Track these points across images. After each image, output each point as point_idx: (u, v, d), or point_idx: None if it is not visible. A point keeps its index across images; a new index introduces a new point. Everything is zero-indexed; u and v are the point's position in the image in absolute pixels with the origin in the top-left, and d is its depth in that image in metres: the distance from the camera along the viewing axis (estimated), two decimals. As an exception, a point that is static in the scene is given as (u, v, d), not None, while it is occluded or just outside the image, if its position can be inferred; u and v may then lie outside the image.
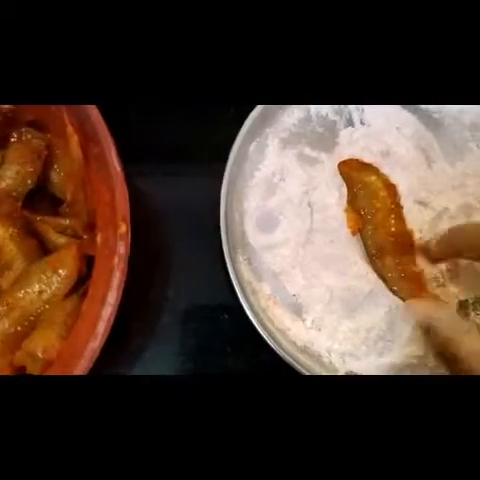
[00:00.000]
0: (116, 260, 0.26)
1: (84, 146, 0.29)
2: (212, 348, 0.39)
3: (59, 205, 0.35)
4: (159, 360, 0.39)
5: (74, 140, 0.29)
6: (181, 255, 0.39)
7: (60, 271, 0.30)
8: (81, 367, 0.25)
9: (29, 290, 0.30)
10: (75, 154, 0.29)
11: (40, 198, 0.35)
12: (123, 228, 0.27)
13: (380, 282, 0.39)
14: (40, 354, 0.28)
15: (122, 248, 0.27)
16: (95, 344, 0.25)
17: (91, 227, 0.32)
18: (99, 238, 0.29)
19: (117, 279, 0.26)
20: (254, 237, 0.39)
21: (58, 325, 0.29)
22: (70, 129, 0.29)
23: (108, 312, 0.26)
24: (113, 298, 0.26)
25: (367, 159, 0.40)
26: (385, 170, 0.40)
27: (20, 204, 0.33)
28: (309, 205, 0.39)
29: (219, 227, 0.37)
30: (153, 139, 0.38)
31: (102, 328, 0.26)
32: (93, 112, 0.28)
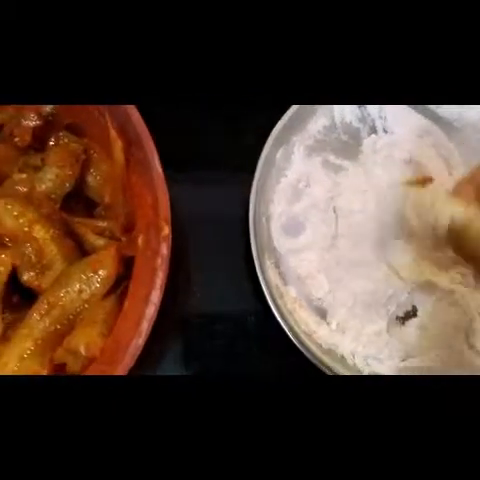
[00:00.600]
0: (159, 261, 0.27)
1: (126, 151, 0.30)
2: (238, 349, 0.40)
3: (94, 208, 0.36)
4: (185, 361, 0.40)
5: (118, 145, 0.30)
6: (209, 258, 0.40)
7: (100, 272, 0.31)
8: (125, 363, 0.26)
9: (69, 289, 0.31)
10: (118, 158, 0.30)
11: (75, 200, 0.36)
12: (166, 230, 0.28)
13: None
14: (83, 351, 0.29)
15: (165, 249, 0.28)
16: (139, 341, 0.26)
17: (128, 229, 0.33)
18: (140, 240, 0.29)
19: (160, 279, 0.27)
20: (280, 241, 0.40)
21: (99, 323, 0.30)
22: (113, 134, 0.30)
23: (151, 311, 0.27)
24: (156, 297, 0.27)
25: (391, 166, 0.41)
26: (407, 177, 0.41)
27: (58, 206, 0.34)
28: (334, 211, 0.41)
29: (245, 231, 0.38)
30: (183, 145, 0.39)
31: (145, 326, 0.27)
32: (135, 118, 0.29)
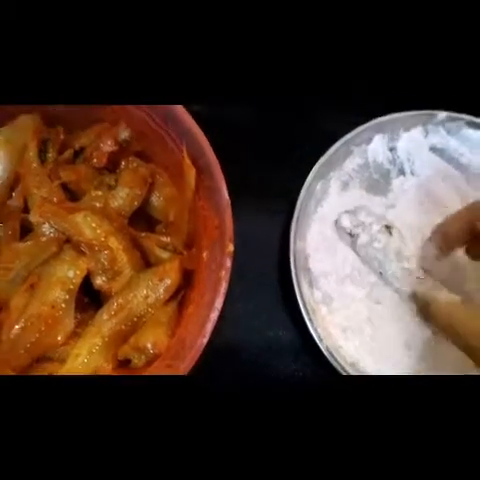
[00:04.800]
0: (223, 273, 0.32)
1: (196, 177, 0.35)
2: (271, 360, 0.44)
3: (154, 224, 0.41)
4: (218, 369, 0.44)
5: (192, 172, 0.34)
6: (250, 273, 0.45)
7: (165, 280, 0.35)
8: (190, 359, 0.30)
9: (137, 294, 0.35)
10: (189, 184, 0.35)
11: (138, 217, 0.40)
12: (230, 247, 0.32)
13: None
14: (150, 348, 0.33)
15: (228, 263, 0.32)
16: (203, 341, 0.31)
17: (188, 245, 0.38)
18: (205, 255, 0.34)
19: (223, 288, 0.32)
20: (313, 263, 0.44)
21: (164, 325, 0.34)
22: (188, 163, 0.35)
23: (215, 315, 0.31)
24: (220, 304, 0.31)
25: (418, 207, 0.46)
26: (432, 217, 0.46)
27: (127, 221, 0.38)
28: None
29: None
30: (232, 173, 0.43)
31: (210, 328, 0.31)
32: (207, 149, 0.34)
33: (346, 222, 0.44)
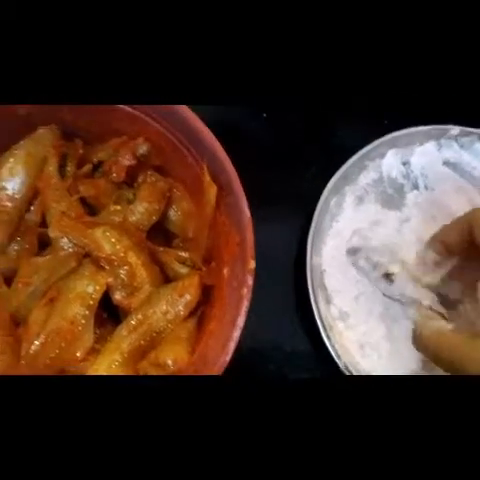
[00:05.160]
0: (245, 291, 0.32)
1: (217, 194, 0.35)
2: (288, 375, 0.44)
3: (172, 238, 0.41)
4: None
5: (213, 190, 0.34)
6: (266, 288, 0.45)
7: (185, 296, 0.35)
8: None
9: (156, 310, 0.35)
10: (210, 201, 0.35)
11: (155, 231, 0.40)
12: (252, 264, 0.32)
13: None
14: (171, 364, 0.33)
15: (250, 280, 0.32)
16: (226, 358, 0.30)
17: (206, 260, 0.38)
18: (226, 271, 0.34)
19: (245, 306, 0.32)
20: (329, 279, 0.44)
21: (184, 341, 0.34)
22: (209, 179, 0.35)
23: (238, 334, 0.31)
24: (242, 322, 0.31)
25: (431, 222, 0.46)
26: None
27: (145, 236, 0.38)
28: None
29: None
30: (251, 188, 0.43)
31: (232, 346, 0.31)
32: (229, 166, 0.34)
33: (362, 262, 0.44)
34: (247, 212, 0.33)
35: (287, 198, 0.47)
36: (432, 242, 0.41)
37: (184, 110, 0.35)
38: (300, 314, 0.44)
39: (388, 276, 0.43)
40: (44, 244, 0.38)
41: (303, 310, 0.43)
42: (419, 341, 0.38)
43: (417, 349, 0.38)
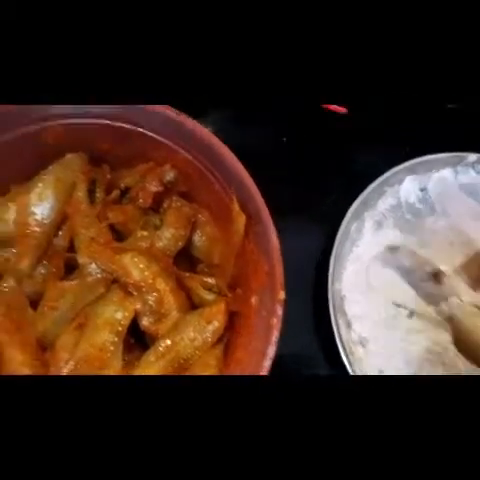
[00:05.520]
0: (275, 321, 0.32)
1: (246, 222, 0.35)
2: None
3: (196, 263, 0.41)
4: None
5: (242, 219, 0.35)
6: (285, 312, 0.45)
7: (213, 323, 0.35)
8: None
9: (184, 336, 0.35)
10: (238, 230, 0.35)
11: (179, 256, 0.41)
12: (282, 295, 0.33)
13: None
14: (200, 393, 0.33)
15: (280, 310, 0.32)
16: (257, 389, 0.31)
17: (232, 286, 0.38)
18: (254, 300, 0.34)
19: (275, 336, 0.32)
20: (349, 305, 0.45)
21: (213, 368, 0.34)
22: (237, 209, 0.35)
23: (268, 364, 0.31)
24: (272, 352, 0.32)
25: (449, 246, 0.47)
26: (460, 258, 0.47)
27: (171, 261, 0.39)
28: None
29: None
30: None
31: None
32: (257, 196, 0.35)
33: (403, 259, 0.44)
34: (276, 241, 0.34)
35: (308, 222, 0.48)
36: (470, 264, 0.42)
37: (210, 137, 0.36)
38: (321, 338, 0.45)
39: (436, 276, 0.43)
40: (70, 268, 0.39)
41: (324, 334, 0.44)
42: (460, 337, 0.39)
43: (458, 349, 0.39)
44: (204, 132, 0.36)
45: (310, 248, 0.47)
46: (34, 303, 0.37)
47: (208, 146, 0.37)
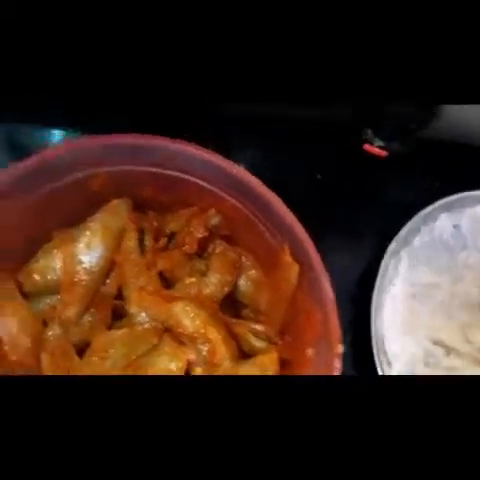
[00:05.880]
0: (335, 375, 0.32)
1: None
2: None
3: (240, 308, 0.41)
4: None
5: (295, 269, 0.35)
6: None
7: (266, 372, 0.35)
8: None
9: (239, 387, 0.35)
10: (291, 279, 0.35)
11: (224, 302, 0.40)
12: (340, 349, 0.33)
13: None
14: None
15: (338, 364, 0.33)
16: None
17: (281, 332, 0.38)
18: (310, 351, 0.35)
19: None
20: (389, 344, 0.45)
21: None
22: (289, 259, 0.35)
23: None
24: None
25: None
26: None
27: (218, 308, 0.39)
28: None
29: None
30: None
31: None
32: (309, 243, 0.35)
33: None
34: (329, 290, 0.34)
35: (341, 261, 0.48)
36: None
37: (257, 183, 0.36)
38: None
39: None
40: (116, 315, 0.39)
41: (362, 370, 0.44)
42: None
43: None
44: (252, 179, 0.36)
45: (347, 286, 0.47)
46: (80, 351, 0.37)
47: (255, 192, 0.37)
